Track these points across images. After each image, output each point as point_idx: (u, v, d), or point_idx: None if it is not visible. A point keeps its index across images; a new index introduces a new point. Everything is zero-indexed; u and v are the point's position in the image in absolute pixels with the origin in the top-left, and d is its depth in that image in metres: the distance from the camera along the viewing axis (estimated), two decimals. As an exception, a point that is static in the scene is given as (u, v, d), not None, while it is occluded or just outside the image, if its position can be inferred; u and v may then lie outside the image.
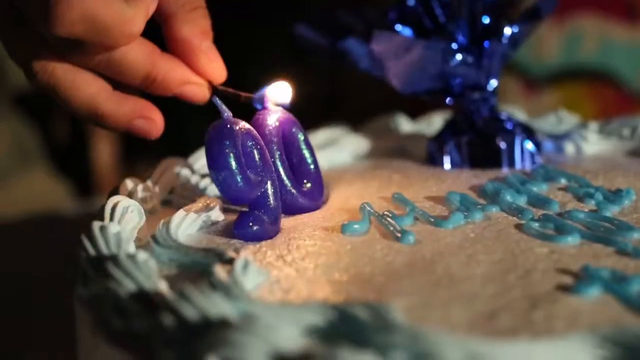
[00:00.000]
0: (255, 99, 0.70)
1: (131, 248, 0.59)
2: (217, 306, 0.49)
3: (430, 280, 0.55)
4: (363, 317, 0.47)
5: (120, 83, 0.67)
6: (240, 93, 0.69)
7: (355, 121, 0.99)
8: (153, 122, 0.67)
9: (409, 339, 0.45)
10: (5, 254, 1.15)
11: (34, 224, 1.30)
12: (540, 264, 0.57)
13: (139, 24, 0.63)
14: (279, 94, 0.70)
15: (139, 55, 0.65)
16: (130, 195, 0.70)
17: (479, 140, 0.83)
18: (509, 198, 0.69)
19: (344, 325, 0.48)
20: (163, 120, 0.68)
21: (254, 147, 0.66)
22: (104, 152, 1.90)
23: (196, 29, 0.67)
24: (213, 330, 0.47)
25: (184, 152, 0.82)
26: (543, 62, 1.56)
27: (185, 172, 0.77)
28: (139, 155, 1.89)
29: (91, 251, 0.58)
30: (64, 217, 1.31)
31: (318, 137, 0.90)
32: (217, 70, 0.69)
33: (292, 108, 0.73)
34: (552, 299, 0.51)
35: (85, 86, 0.65)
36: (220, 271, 0.54)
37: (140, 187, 0.72)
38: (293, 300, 0.53)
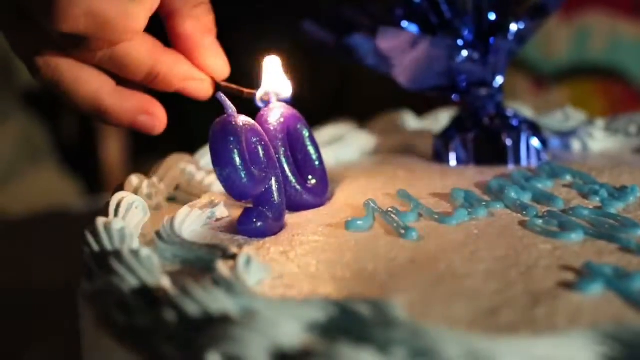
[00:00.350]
0: (258, 96, 0.70)
1: (135, 244, 0.59)
2: (218, 302, 0.49)
3: (433, 277, 0.55)
4: (364, 313, 0.47)
5: (124, 79, 0.67)
6: (243, 89, 0.69)
7: (366, 116, 0.99)
8: (156, 117, 0.68)
9: (410, 335, 0.45)
10: (13, 251, 1.15)
11: (43, 221, 1.30)
12: (543, 260, 0.57)
13: (142, 20, 0.63)
14: (280, 88, 0.70)
15: (142, 50, 0.65)
16: (136, 191, 0.71)
17: (484, 137, 0.83)
18: (513, 195, 0.69)
19: (345, 321, 0.48)
20: (166, 116, 0.68)
21: (258, 144, 0.66)
22: (113, 149, 1.91)
23: (199, 25, 0.67)
24: (214, 326, 0.47)
25: (194, 149, 0.82)
26: (552, 59, 1.55)
27: (190, 168, 0.77)
28: (148, 152, 1.89)
29: (95, 247, 0.58)
30: (72, 214, 1.32)
31: (325, 133, 0.90)
32: (220, 66, 0.69)
33: (301, 103, 0.73)
34: (554, 296, 0.51)
35: (88, 81, 0.65)
36: (222, 267, 0.54)
37: (145, 183, 0.72)
38: (295, 296, 0.53)
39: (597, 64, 1.55)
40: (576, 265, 0.55)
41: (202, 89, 0.69)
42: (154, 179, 0.74)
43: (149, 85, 0.68)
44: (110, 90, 0.66)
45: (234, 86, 0.69)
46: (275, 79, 0.70)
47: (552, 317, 0.49)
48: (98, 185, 1.84)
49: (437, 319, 0.49)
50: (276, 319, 0.47)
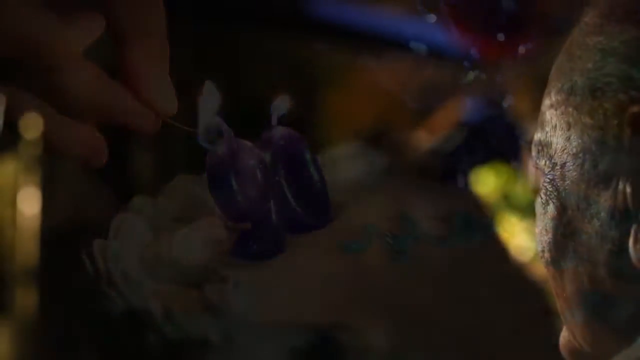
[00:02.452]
0: (201, 136, 0.66)
1: (129, 266, 0.60)
2: (200, 326, 0.50)
3: (417, 303, 0.55)
4: (342, 339, 0.48)
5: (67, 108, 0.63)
6: (186, 128, 0.66)
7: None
8: (95, 151, 0.64)
9: (386, 363, 0.45)
10: (42, 263, 1.17)
11: (72, 234, 1.32)
12: (531, 287, 0.57)
13: (75, 45, 0.60)
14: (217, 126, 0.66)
15: (81, 80, 0.61)
16: (140, 212, 0.72)
17: (492, 158, 0.83)
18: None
19: (324, 348, 0.48)
20: (106, 150, 0.64)
21: (256, 166, 0.66)
22: (145, 161, 1.93)
23: (149, 56, 0.63)
24: (194, 351, 0.47)
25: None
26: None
27: (197, 189, 0.78)
28: (180, 166, 1.91)
29: (89, 268, 0.59)
30: (102, 227, 1.33)
31: (334, 152, 0.90)
32: (165, 102, 0.64)
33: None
34: (535, 324, 0.51)
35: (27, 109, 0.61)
36: (210, 291, 0.55)
37: (150, 203, 0.73)
38: (279, 321, 0.54)
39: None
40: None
41: (145, 124, 0.64)
42: (160, 200, 0.75)
43: (89, 117, 0.63)
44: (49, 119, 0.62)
45: (176, 124, 0.65)
46: (210, 116, 0.66)
47: (531, 345, 0.49)
48: (129, 199, 1.85)
49: (416, 347, 0.50)
50: (255, 345, 0.47)
